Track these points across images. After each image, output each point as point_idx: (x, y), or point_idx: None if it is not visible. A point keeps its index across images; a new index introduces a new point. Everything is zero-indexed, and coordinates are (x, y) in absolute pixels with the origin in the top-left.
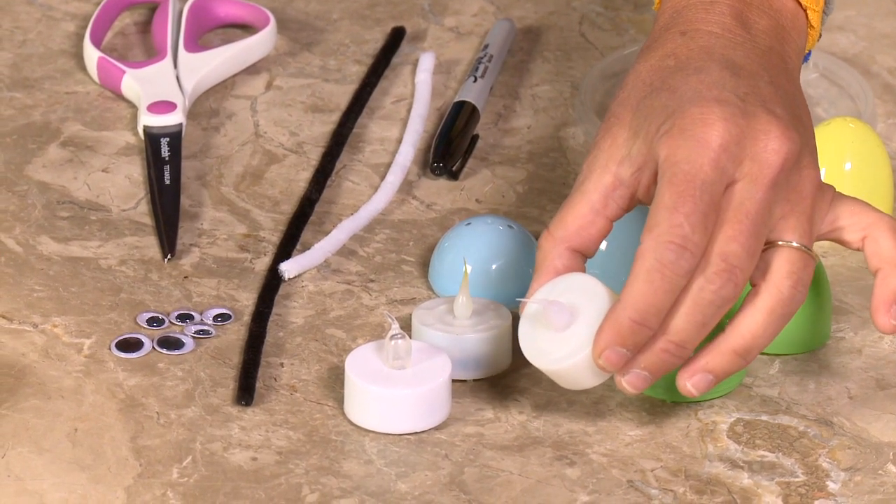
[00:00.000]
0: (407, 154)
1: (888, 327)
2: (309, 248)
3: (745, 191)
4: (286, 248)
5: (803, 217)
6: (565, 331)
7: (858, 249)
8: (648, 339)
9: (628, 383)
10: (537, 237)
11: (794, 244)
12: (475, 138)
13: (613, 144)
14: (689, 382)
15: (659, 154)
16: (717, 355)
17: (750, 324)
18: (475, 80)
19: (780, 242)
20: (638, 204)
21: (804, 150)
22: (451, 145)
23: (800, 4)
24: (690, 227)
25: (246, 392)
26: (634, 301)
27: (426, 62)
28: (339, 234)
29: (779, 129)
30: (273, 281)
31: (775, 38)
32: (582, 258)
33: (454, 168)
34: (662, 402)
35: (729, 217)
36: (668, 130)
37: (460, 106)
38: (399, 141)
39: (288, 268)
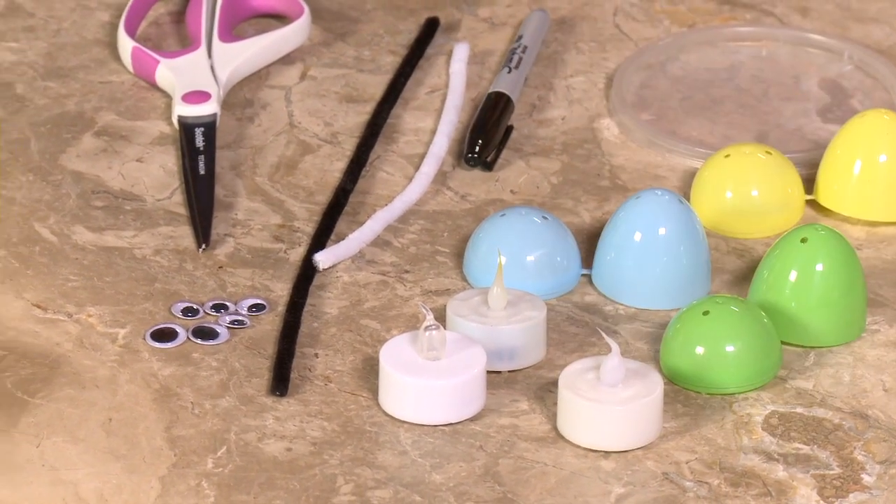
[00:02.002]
0: (441, 145)
1: None
2: (343, 239)
3: None
4: (320, 238)
5: None
6: (607, 386)
7: None
8: None
9: None
10: (572, 228)
11: None
12: (510, 129)
13: None
14: None
15: None
16: None
17: None
18: (509, 71)
19: None
20: None
21: None
22: (485, 136)
23: None
24: None
25: (280, 382)
26: None
27: (460, 53)
28: (374, 225)
29: None
30: (307, 271)
31: None
32: None
33: (489, 159)
34: (697, 394)
35: None
36: None
37: (495, 97)
38: (433, 132)
39: (322, 258)
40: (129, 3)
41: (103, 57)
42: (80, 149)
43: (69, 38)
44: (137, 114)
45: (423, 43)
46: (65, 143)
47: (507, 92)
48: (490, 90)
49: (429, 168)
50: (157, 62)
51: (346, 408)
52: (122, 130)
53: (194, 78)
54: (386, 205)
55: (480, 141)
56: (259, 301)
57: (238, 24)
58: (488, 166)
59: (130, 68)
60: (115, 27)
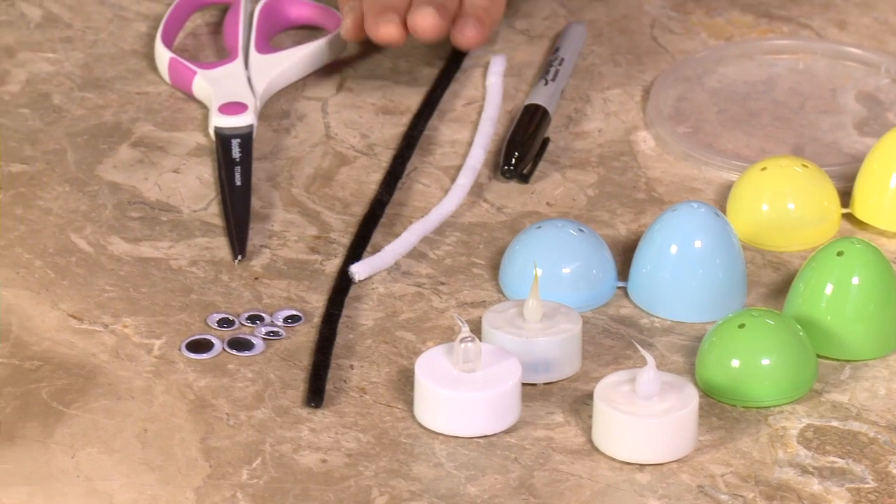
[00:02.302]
0: (477, 157)
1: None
2: (379, 250)
3: None
4: (356, 249)
5: None
6: (643, 398)
7: None
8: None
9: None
10: (608, 241)
11: None
12: (546, 141)
13: None
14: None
15: None
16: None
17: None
18: (546, 84)
19: None
20: None
21: None
22: (522, 148)
23: None
24: None
25: (315, 394)
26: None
27: (497, 65)
28: (410, 237)
29: None
30: (343, 283)
31: None
32: None
33: (525, 171)
34: (732, 407)
35: None
36: None
37: (531, 109)
38: (470, 144)
39: (358, 270)
40: (167, 15)
41: (140, 68)
42: (117, 159)
43: (106, 48)
44: (174, 125)
45: (460, 55)
46: (101, 153)
47: (543, 104)
48: (527, 102)
49: (465, 180)
50: (194, 73)
51: (382, 419)
52: (158, 141)
53: (231, 89)
54: (422, 216)
55: (517, 153)
56: (295, 312)
57: (275, 36)
58: (525, 178)
59: (167, 79)
60: (152, 38)
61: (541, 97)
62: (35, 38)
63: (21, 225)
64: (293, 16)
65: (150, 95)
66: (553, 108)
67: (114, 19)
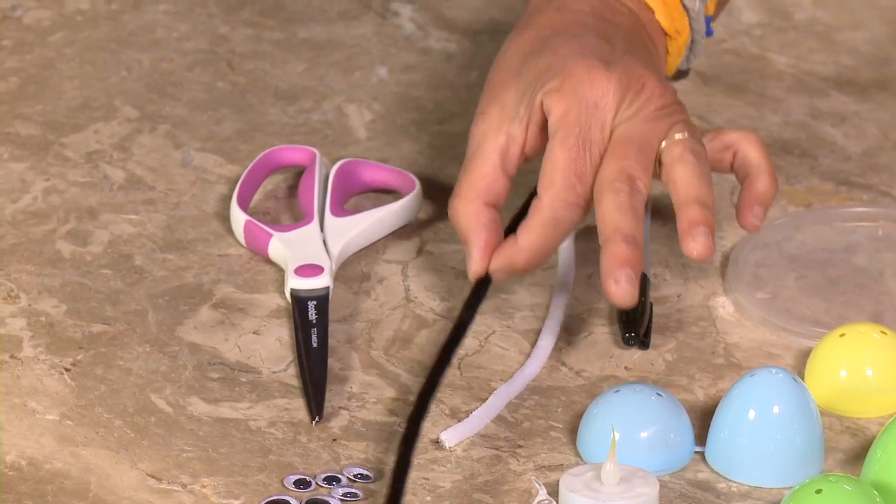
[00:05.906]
0: (557, 319)
1: (753, 227)
2: (467, 416)
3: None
4: (421, 410)
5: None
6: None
7: (731, 171)
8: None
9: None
10: (685, 405)
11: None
12: (651, 305)
13: (503, 109)
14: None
15: (550, 112)
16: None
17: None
18: None
19: (676, 136)
20: (525, 161)
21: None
22: (638, 314)
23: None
24: (582, 187)
25: None
26: (531, 248)
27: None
28: (496, 401)
29: (655, 79)
30: (407, 449)
31: (638, 27)
32: (497, 211)
33: (644, 336)
34: None
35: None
36: (557, 89)
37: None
38: (548, 307)
39: (447, 437)
40: (242, 178)
41: (221, 230)
42: (197, 321)
43: (188, 210)
44: (254, 286)
45: None
46: (182, 314)
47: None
48: None
49: (546, 342)
50: (270, 235)
51: None
52: (239, 303)
53: (307, 251)
54: (505, 381)
55: (636, 319)
56: (364, 471)
57: (350, 199)
58: (645, 344)
59: (243, 242)
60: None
61: None
62: (118, 200)
63: (101, 385)
64: (368, 179)
65: (231, 257)
66: (648, 272)
67: (196, 182)
